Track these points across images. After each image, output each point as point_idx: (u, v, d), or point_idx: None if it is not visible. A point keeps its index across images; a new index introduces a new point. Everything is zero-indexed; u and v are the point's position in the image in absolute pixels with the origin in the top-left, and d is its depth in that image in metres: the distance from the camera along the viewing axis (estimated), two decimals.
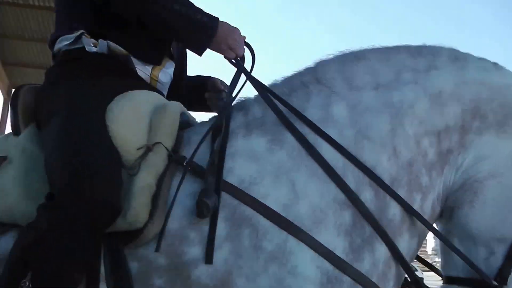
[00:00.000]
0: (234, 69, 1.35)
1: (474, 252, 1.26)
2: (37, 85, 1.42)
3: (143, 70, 1.38)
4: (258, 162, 1.17)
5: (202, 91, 1.61)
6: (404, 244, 1.21)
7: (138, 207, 1.08)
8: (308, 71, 1.36)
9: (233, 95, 1.33)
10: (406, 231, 1.22)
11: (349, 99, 1.27)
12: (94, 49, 1.30)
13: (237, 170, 1.16)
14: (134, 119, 1.21)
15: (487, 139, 1.29)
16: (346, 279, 1.09)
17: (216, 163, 1.14)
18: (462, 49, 1.36)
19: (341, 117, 1.24)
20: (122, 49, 1.32)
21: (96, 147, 1.13)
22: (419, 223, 1.23)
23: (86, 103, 1.22)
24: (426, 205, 1.26)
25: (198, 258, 1.07)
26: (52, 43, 1.39)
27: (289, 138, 1.20)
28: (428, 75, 1.29)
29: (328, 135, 1.19)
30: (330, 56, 1.37)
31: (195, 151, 1.15)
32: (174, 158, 1.17)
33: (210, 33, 1.27)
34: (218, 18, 1.30)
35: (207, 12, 1.28)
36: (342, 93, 1.27)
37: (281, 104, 1.25)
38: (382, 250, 1.16)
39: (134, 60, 1.35)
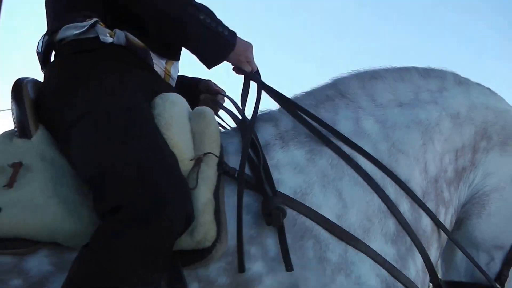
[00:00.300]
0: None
1: (476, 259, 1.38)
2: (37, 80, 1.26)
3: (158, 64, 1.27)
4: (303, 173, 1.17)
5: (194, 92, 1.51)
6: (433, 254, 1.28)
7: (207, 224, 1.02)
8: (328, 86, 1.39)
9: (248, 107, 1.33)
10: (435, 242, 1.29)
11: (376, 115, 1.32)
12: (110, 40, 1.18)
13: (287, 181, 1.14)
14: (182, 125, 1.15)
15: (492, 157, 1.42)
16: (400, 286, 1.12)
17: (264, 175, 1.11)
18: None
19: (373, 132, 1.29)
20: (139, 41, 1.21)
21: (159, 155, 1.04)
22: (443, 235, 1.31)
23: (127, 106, 1.10)
24: (447, 218, 1.36)
25: (261, 273, 1.04)
26: (52, 33, 1.22)
27: (326, 149, 1.22)
28: (442, 96, 1.40)
29: (363, 149, 1.23)
30: (346, 74, 1.41)
31: (243, 162, 1.11)
32: (225, 169, 1.12)
33: (229, 47, 1.25)
34: (236, 33, 1.27)
35: (226, 25, 1.24)
36: (368, 109, 1.33)
37: (309, 117, 1.26)
38: (420, 259, 1.21)
39: (151, 53, 1.25)
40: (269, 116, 1.31)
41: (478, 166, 1.41)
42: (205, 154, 1.12)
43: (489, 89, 1.51)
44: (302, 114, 1.27)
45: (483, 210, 1.42)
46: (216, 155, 1.12)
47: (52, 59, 1.27)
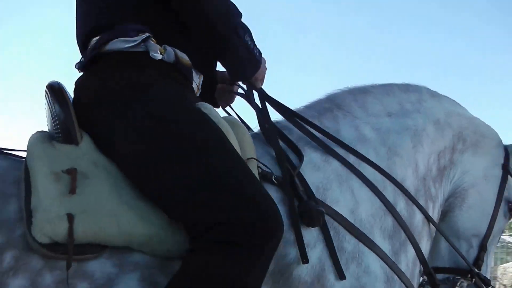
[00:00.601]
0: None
1: (458, 247, 1.62)
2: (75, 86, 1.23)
3: (195, 80, 1.30)
4: (321, 171, 1.30)
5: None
6: (424, 246, 1.46)
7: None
8: (324, 100, 1.54)
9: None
10: (425, 235, 1.47)
11: (371, 123, 1.49)
12: (160, 57, 1.18)
13: (309, 178, 1.25)
14: (231, 134, 1.19)
15: (466, 157, 1.67)
16: (396, 279, 1.27)
17: (297, 175, 1.22)
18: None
19: (372, 137, 1.46)
20: (187, 59, 1.23)
21: (241, 165, 1.09)
22: (432, 228, 1.51)
23: (194, 119, 1.12)
24: (435, 212, 1.56)
25: (299, 257, 1.14)
26: (100, 44, 1.20)
27: (336, 155, 1.34)
28: (423, 107, 1.62)
29: (366, 157, 1.38)
30: (337, 90, 1.58)
31: (285, 167, 1.22)
32: (263, 173, 1.21)
33: (257, 67, 1.33)
34: (261, 53, 1.34)
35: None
36: (363, 118, 1.50)
37: (312, 127, 1.39)
38: (411, 252, 1.37)
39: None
40: (281, 125, 1.42)
41: (457, 164, 1.64)
42: (248, 159, 1.19)
43: (455, 100, 1.76)
44: (308, 127, 1.39)
45: (463, 203, 1.65)
46: (258, 160, 1.21)
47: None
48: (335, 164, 1.33)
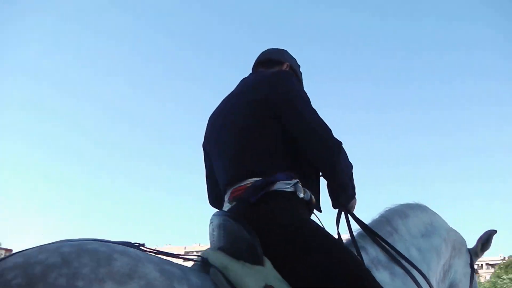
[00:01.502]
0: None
1: None
2: (233, 214, 1.52)
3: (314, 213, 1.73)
4: (390, 286, 1.74)
5: None
6: None
7: None
8: (384, 222, 2.07)
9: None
10: None
11: (414, 244, 2.03)
12: (302, 196, 1.57)
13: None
14: None
15: (455, 261, 2.21)
16: None
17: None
18: None
19: (416, 257, 1.97)
20: (314, 198, 1.67)
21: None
22: None
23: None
24: None
25: None
26: (268, 183, 1.54)
27: (398, 269, 1.83)
28: (434, 227, 2.18)
29: (422, 271, 1.89)
30: (389, 212, 2.14)
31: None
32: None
33: (354, 199, 1.86)
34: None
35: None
36: (409, 240, 2.03)
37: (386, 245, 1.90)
38: None
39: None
40: (359, 245, 1.86)
41: (452, 267, 2.20)
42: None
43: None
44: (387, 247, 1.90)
45: None
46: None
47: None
48: (397, 281, 1.79)
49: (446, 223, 2.30)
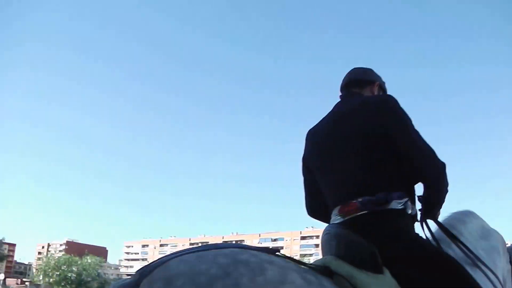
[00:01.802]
0: None
1: None
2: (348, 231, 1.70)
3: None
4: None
5: None
6: None
7: None
8: (452, 226, 2.15)
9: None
10: None
11: (480, 246, 2.16)
12: (409, 212, 1.77)
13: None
14: None
15: (502, 260, 2.28)
16: None
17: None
18: None
19: (484, 256, 2.10)
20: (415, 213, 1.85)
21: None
22: None
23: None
24: None
25: None
26: (382, 202, 1.73)
27: (479, 273, 1.94)
28: (487, 230, 2.33)
29: (492, 270, 2.04)
30: (451, 220, 2.24)
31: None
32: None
33: (438, 209, 2.00)
34: None
35: None
36: (473, 243, 2.15)
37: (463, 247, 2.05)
38: None
39: None
40: (444, 245, 2.02)
41: (500, 267, 2.27)
42: None
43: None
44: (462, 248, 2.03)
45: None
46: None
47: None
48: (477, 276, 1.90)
49: (489, 226, 2.47)
